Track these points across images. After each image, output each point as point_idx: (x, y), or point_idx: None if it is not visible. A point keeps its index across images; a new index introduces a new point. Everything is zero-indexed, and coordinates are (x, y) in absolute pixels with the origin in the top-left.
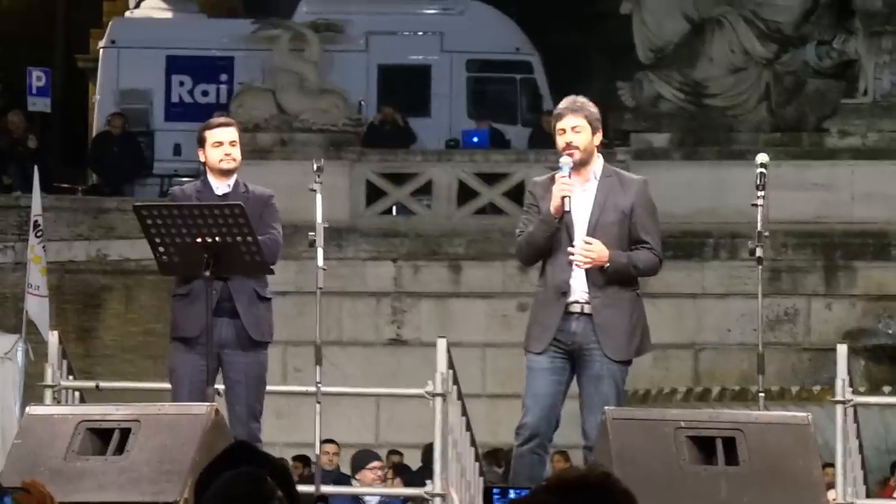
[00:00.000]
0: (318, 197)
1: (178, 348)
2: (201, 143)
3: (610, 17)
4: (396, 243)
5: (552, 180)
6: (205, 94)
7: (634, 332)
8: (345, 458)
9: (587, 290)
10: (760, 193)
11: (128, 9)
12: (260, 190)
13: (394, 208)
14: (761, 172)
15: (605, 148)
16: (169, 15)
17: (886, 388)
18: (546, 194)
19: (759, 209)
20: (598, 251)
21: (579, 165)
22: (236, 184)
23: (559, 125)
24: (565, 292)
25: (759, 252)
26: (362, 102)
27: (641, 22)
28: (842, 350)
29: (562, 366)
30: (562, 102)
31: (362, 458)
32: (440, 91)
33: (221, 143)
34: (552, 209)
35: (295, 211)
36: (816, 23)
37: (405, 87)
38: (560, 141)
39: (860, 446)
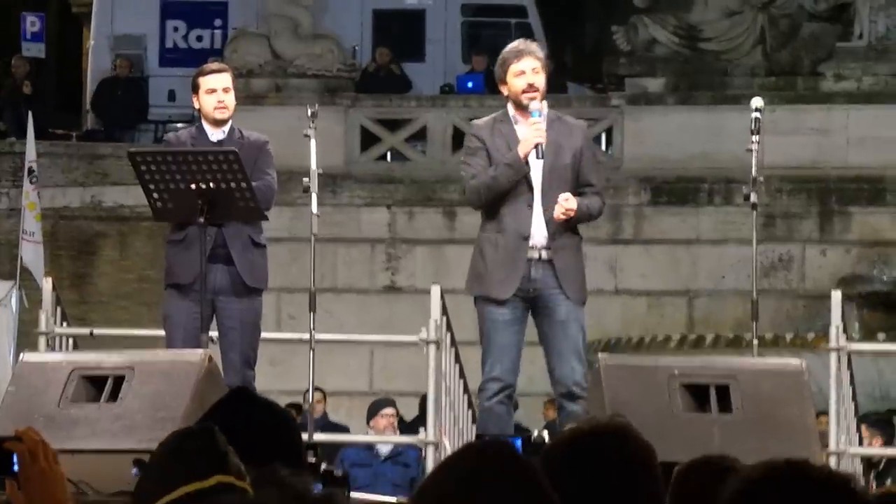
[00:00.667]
0: (313, 143)
1: (173, 295)
2: (195, 89)
3: None
4: (391, 189)
5: (494, 122)
6: (199, 39)
7: (584, 275)
8: (339, 406)
9: (546, 236)
10: (755, 138)
11: None
12: (255, 136)
13: (388, 154)
14: (756, 117)
15: (600, 92)
16: None
17: (881, 335)
18: (494, 138)
19: (754, 154)
20: (573, 204)
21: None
22: (231, 130)
23: (516, 66)
24: (527, 236)
25: (753, 198)
26: (356, 48)
27: None
28: (836, 297)
29: (521, 315)
30: (511, 45)
31: (376, 406)
32: (435, 36)
33: (215, 90)
34: (521, 153)
35: (289, 157)
36: None
37: (399, 32)
38: (520, 82)
39: (854, 393)
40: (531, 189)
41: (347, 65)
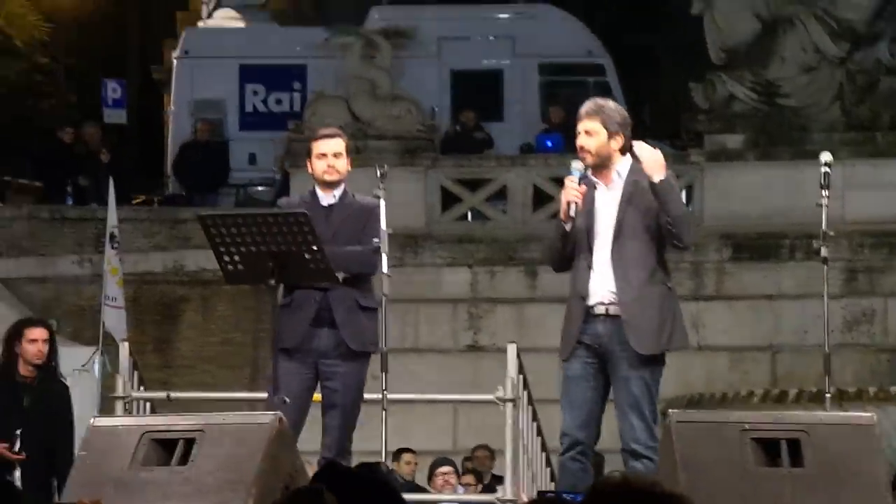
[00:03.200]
0: (383, 203)
1: (280, 358)
2: (308, 153)
3: (681, 18)
4: (472, 249)
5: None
6: (278, 102)
7: (664, 326)
8: (424, 465)
9: (613, 290)
10: (825, 193)
11: (200, 19)
12: (367, 200)
13: (469, 214)
14: (825, 172)
15: (679, 149)
16: (241, 24)
17: None
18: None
19: (825, 208)
20: (657, 158)
21: (600, 168)
22: (344, 193)
23: (577, 128)
24: (584, 296)
25: (824, 252)
26: (435, 108)
27: (712, 22)
28: None
29: (594, 371)
30: (583, 106)
31: (433, 465)
32: (513, 96)
33: (325, 155)
34: (562, 214)
35: None
36: (889, 20)
37: (478, 93)
38: (577, 143)
39: None
40: (590, 249)
41: (426, 125)
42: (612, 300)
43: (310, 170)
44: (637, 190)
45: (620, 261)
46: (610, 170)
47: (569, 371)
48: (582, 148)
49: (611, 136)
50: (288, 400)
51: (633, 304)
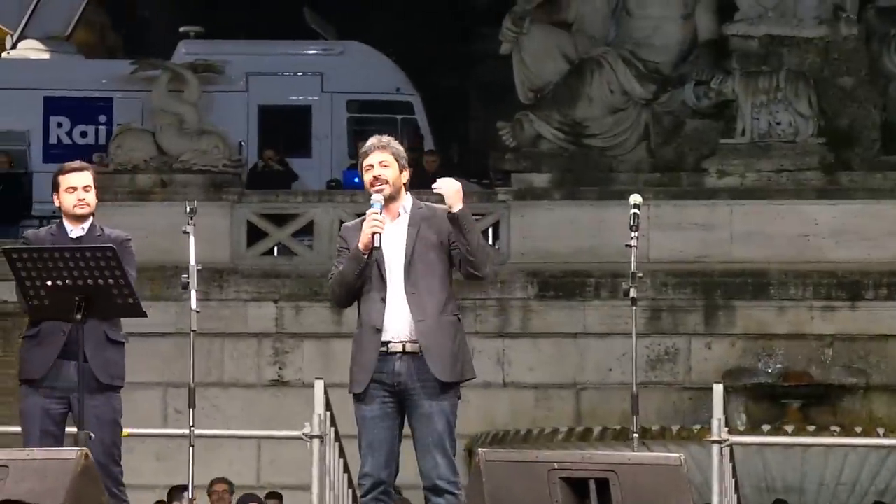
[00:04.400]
0: (192, 239)
1: (27, 391)
2: (55, 187)
3: (489, 58)
4: (278, 284)
5: (362, 220)
6: (83, 135)
7: (457, 357)
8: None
9: (409, 325)
10: (634, 234)
11: (4, 49)
12: (116, 233)
13: (275, 249)
14: (635, 213)
15: (486, 187)
16: (46, 56)
17: (765, 427)
18: (356, 236)
19: (633, 249)
20: (454, 189)
21: (389, 201)
22: (91, 227)
23: (366, 162)
24: (379, 329)
25: (633, 293)
26: (243, 143)
27: (521, 62)
28: (718, 390)
29: (391, 411)
30: (367, 141)
31: (242, 501)
32: (321, 132)
33: (75, 189)
34: (361, 245)
35: (175, 252)
36: (694, 63)
37: (286, 128)
38: (368, 176)
39: (736, 485)
40: (384, 281)
41: (233, 160)
42: (410, 336)
43: (57, 203)
44: (424, 223)
45: (415, 293)
46: (397, 203)
47: (366, 412)
48: (379, 178)
49: (401, 169)
50: (93, 436)
51: (430, 335)
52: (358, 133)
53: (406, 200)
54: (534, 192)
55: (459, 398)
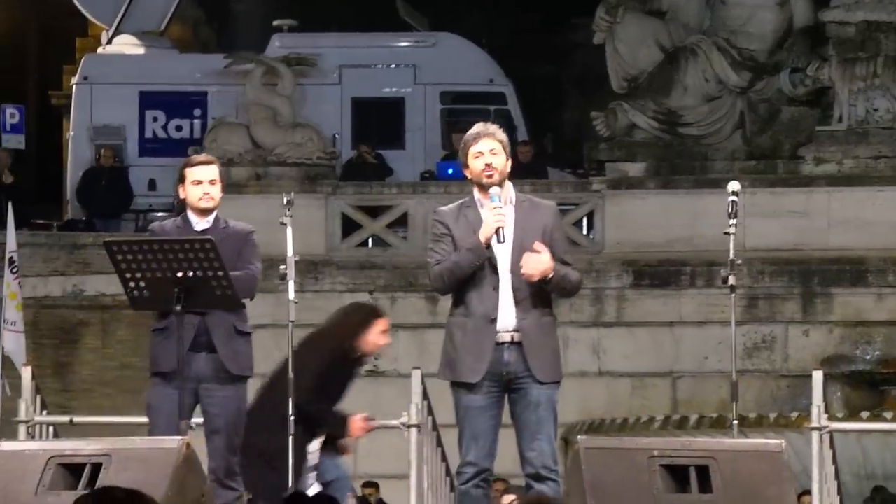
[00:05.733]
0: (289, 231)
1: (156, 383)
2: (182, 180)
3: (583, 48)
4: (373, 275)
5: (460, 207)
6: (178, 129)
7: (557, 354)
8: None
9: (516, 317)
10: (732, 221)
11: (100, 45)
12: (241, 226)
13: (370, 240)
14: (733, 200)
15: (581, 177)
16: (141, 51)
17: (864, 414)
18: (458, 223)
19: (732, 237)
20: (547, 260)
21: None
22: (216, 220)
23: (474, 149)
24: (494, 319)
25: (731, 280)
26: (336, 136)
27: (615, 51)
28: (817, 377)
29: (496, 401)
30: (471, 129)
31: None
32: (414, 124)
33: (201, 182)
34: (482, 238)
35: (270, 245)
36: (790, 50)
37: (379, 120)
38: (478, 163)
39: (836, 472)
40: (496, 272)
41: (327, 153)
42: (515, 327)
43: (182, 196)
44: (528, 214)
45: (521, 286)
46: (503, 193)
47: (473, 402)
48: (490, 166)
49: (507, 157)
50: (194, 426)
51: (534, 331)
52: (451, 125)
53: (510, 190)
54: (628, 182)
55: (559, 385)
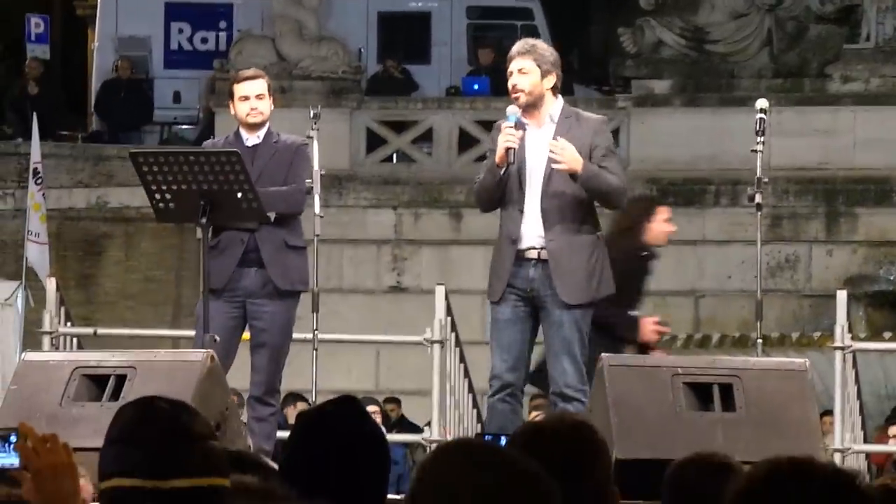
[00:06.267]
0: (316, 144)
1: (206, 298)
2: (230, 96)
3: None
4: (397, 191)
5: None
6: (204, 41)
7: (593, 275)
8: None
9: (542, 236)
10: (760, 139)
11: None
12: (293, 139)
13: (394, 156)
14: (761, 118)
15: (606, 95)
16: None
17: (887, 334)
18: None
19: (759, 155)
20: (571, 153)
21: (532, 109)
22: (268, 134)
23: (509, 68)
24: (515, 240)
25: (758, 198)
26: (362, 50)
27: None
28: (841, 296)
29: (524, 315)
30: (514, 46)
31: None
32: (440, 38)
33: (248, 98)
34: (497, 159)
35: None
36: None
37: (405, 35)
38: (509, 84)
39: (859, 392)
40: (522, 191)
41: (353, 67)
42: (542, 245)
43: (232, 112)
44: (569, 133)
45: (551, 205)
46: (541, 111)
47: (499, 314)
48: (515, 87)
49: (544, 74)
50: (218, 339)
51: (561, 252)
52: (478, 40)
53: (553, 107)
54: (654, 99)
55: (594, 307)
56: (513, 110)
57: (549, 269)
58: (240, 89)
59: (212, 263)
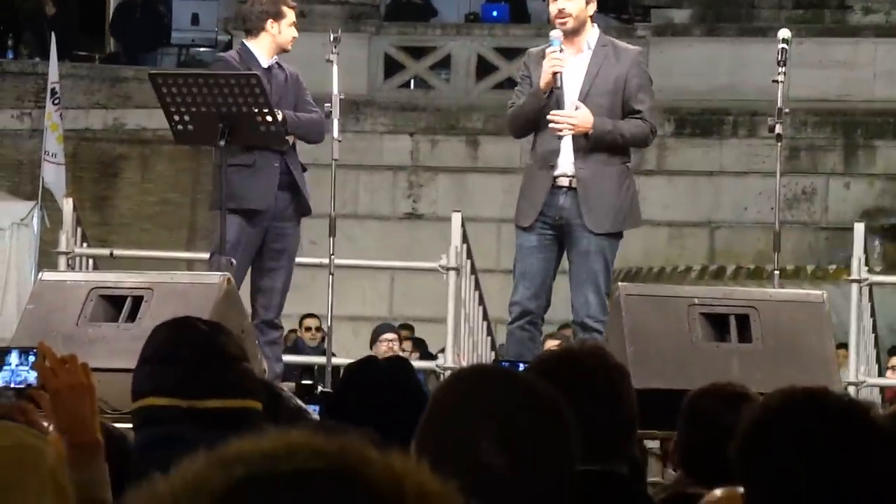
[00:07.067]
0: (335, 68)
1: (235, 220)
2: (277, 16)
3: None
4: (414, 117)
5: (543, 52)
6: None
7: (622, 205)
8: (360, 331)
9: (574, 164)
10: (781, 69)
11: None
12: (291, 68)
13: (412, 82)
14: (783, 48)
15: (625, 24)
16: None
17: None
18: (538, 66)
19: (780, 86)
20: (582, 117)
21: (572, 35)
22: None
23: None
24: (552, 165)
25: (778, 129)
26: None
27: None
28: (859, 229)
29: (550, 243)
30: None
31: (377, 331)
32: None
33: (295, 25)
34: (542, 84)
35: (313, 83)
36: None
37: None
38: (553, 9)
39: (874, 325)
40: None
41: None
42: (574, 172)
43: (275, 31)
44: (605, 62)
45: (582, 136)
46: (581, 38)
47: (525, 241)
48: (562, 12)
49: (587, 1)
50: (234, 262)
51: (592, 180)
52: None
53: (591, 34)
54: (673, 28)
55: (621, 238)
56: (557, 35)
57: (578, 197)
58: (292, 15)
59: (245, 183)
